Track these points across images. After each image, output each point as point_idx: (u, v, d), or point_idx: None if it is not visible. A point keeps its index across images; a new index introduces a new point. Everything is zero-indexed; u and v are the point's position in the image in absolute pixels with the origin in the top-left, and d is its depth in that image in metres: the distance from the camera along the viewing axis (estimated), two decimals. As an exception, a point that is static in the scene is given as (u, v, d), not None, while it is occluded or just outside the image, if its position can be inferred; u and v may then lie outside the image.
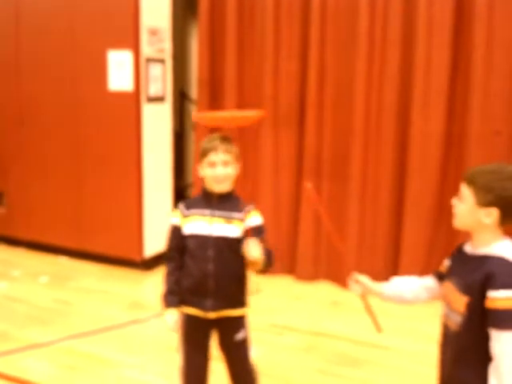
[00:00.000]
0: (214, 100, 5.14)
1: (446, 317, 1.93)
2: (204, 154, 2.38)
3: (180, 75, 5.82)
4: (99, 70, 5.03)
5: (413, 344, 3.74)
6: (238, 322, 2.46)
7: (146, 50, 4.96)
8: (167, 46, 5.21)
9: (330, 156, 4.74)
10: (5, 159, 5.74)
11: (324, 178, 4.75)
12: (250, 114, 2.43)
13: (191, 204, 2.45)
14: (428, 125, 4.41)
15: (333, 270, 4.79)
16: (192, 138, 6.18)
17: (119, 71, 4.95)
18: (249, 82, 5.01)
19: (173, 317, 2.41)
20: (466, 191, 1.84)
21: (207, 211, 2.38)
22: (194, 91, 6.10)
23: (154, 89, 5.07)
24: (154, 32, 5.03)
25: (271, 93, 4.86)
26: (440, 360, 1.98)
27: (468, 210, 1.84)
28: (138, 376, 3.31)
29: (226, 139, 2.42)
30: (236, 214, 2.37)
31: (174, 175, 5.49)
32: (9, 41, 5.52)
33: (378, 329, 2.16)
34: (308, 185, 2.28)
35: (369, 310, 2.16)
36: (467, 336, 1.81)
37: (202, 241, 2.35)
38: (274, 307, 4.36)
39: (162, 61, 5.15)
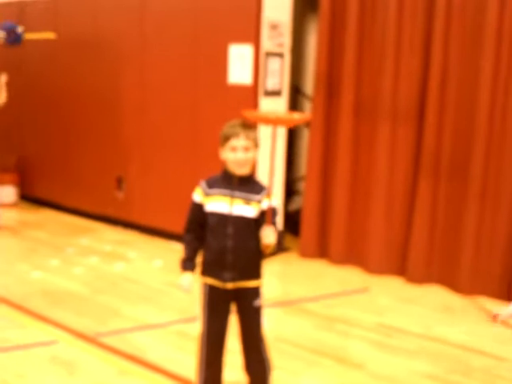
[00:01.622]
0: (330, 96, 5.12)
1: None
2: (226, 138, 2.55)
3: (295, 69, 5.84)
4: (220, 63, 5.15)
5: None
6: (255, 291, 2.63)
7: (266, 44, 5.02)
8: (286, 40, 5.24)
9: (449, 156, 4.58)
10: (125, 147, 6.03)
11: (442, 178, 4.60)
12: (296, 117, 2.64)
13: (213, 183, 2.60)
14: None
15: (446, 274, 4.64)
16: (303, 133, 6.18)
17: (239, 65, 5.04)
18: (367, 79, 4.93)
19: (188, 279, 2.63)
20: None
21: (228, 192, 2.55)
22: (307, 86, 6.10)
23: (271, 83, 5.12)
24: (274, 26, 5.08)
25: (390, 90, 4.76)
26: None
27: None
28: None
29: (246, 125, 2.56)
30: (254, 196, 2.54)
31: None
32: (134, 35, 5.78)
33: None
34: None
35: None
36: None
37: (222, 219, 2.54)
38: (383, 308, 4.29)
39: (280, 55, 5.19)
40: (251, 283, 2.61)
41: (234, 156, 2.52)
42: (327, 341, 3.69)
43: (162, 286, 4.57)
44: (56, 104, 6.71)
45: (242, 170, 2.55)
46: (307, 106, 5.93)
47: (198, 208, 2.61)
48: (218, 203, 2.55)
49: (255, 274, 2.62)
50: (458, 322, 4.07)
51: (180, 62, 5.45)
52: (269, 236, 2.46)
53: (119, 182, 6.14)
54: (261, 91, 5.02)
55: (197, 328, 2.73)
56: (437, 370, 3.37)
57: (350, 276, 4.97)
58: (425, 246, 4.69)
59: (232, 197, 2.54)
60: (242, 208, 2.53)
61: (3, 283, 4.54)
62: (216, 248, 2.55)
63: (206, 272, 2.63)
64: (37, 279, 4.63)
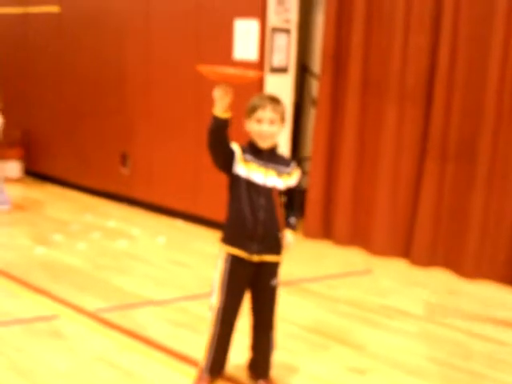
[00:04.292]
0: (337, 75, 5.05)
1: None
2: (253, 110, 2.51)
3: (302, 47, 5.75)
4: (225, 39, 5.07)
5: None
6: (274, 269, 2.64)
7: (273, 19, 4.94)
8: (293, 16, 5.15)
9: (456, 137, 4.51)
10: (131, 123, 5.98)
11: (449, 160, 4.53)
12: (250, 74, 2.57)
13: (244, 150, 2.55)
14: None
15: (451, 257, 4.60)
16: (310, 112, 6.10)
17: (245, 40, 4.96)
18: (375, 57, 4.86)
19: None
20: None
21: (261, 163, 2.54)
22: (315, 64, 6.01)
23: (277, 59, 5.05)
24: (281, 2, 4.99)
25: (398, 68, 4.69)
26: None
27: None
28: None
29: (274, 99, 2.54)
30: (284, 169, 2.58)
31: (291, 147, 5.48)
32: (138, 10, 5.69)
33: None
34: None
35: None
36: None
37: (257, 189, 2.52)
38: (386, 290, 4.26)
39: (287, 31, 5.11)
40: (274, 258, 2.62)
41: (260, 128, 2.50)
42: (329, 321, 3.67)
43: (164, 263, 4.55)
44: (61, 79, 6.65)
45: (265, 143, 2.54)
46: (314, 84, 5.85)
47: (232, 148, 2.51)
48: (254, 172, 2.53)
49: (279, 248, 2.63)
50: (461, 306, 4.04)
51: (185, 38, 5.37)
52: (289, 240, 2.62)
53: (124, 159, 6.10)
54: (267, 68, 4.95)
55: (211, 302, 2.67)
56: (438, 353, 3.34)
57: (354, 257, 4.93)
58: (430, 229, 4.64)
59: (266, 168, 2.53)
60: (275, 180, 2.55)
61: (5, 257, 4.53)
62: (248, 218, 2.52)
63: (231, 242, 2.60)
64: (39, 254, 4.62)
